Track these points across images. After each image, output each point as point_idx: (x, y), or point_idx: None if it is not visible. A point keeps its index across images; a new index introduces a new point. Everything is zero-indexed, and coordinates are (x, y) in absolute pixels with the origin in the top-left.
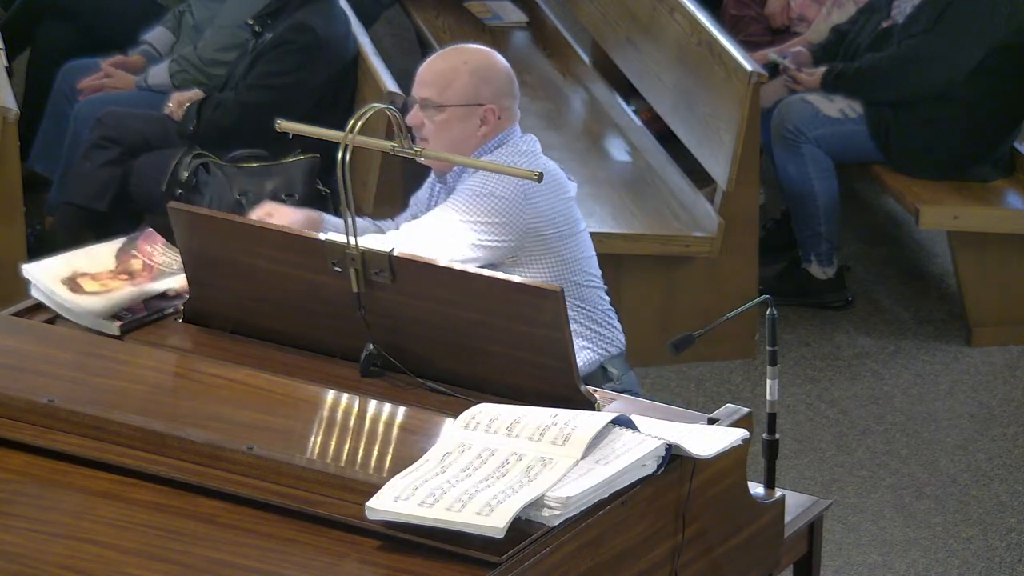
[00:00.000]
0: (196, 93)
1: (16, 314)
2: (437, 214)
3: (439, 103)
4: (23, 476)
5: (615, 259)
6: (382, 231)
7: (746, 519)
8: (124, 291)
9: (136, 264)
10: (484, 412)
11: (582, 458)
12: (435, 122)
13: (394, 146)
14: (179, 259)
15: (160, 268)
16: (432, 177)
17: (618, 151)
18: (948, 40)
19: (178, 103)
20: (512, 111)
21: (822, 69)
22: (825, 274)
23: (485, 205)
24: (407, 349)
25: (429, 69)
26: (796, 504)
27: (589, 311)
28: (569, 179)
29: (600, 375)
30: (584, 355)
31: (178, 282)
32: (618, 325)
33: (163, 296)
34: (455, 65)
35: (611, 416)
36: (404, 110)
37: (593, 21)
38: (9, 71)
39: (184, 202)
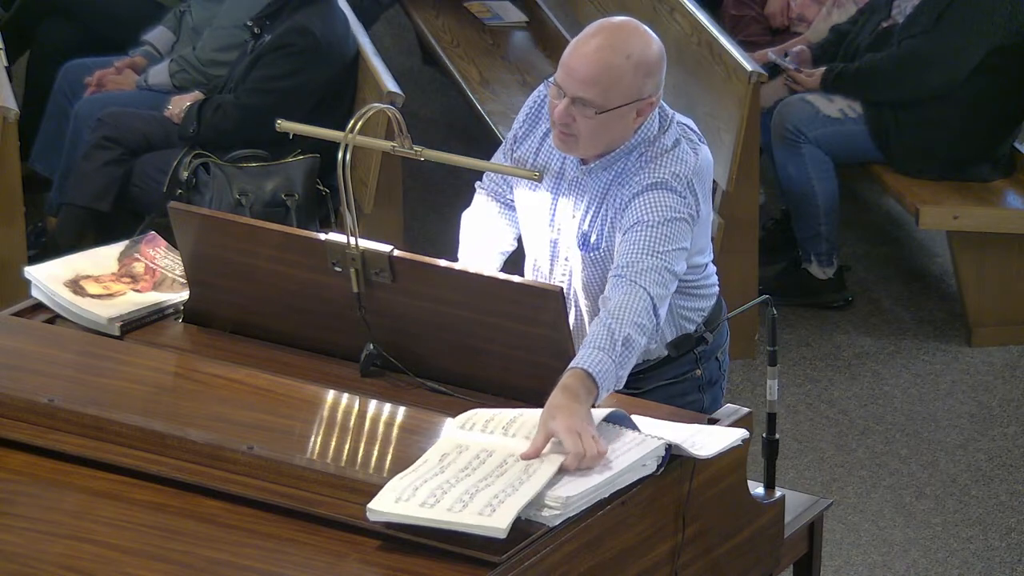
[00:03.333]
0: (196, 95)
1: (16, 314)
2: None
3: (604, 107)
4: (23, 476)
5: None
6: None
7: (746, 519)
8: (127, 298)
9: (139, 267)
10: (480, 414)
11: None
12: (593, 121)
13: (394, 146)
14: (180, 262)
15: (162, 271)
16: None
17: None
18: (948, 40)
19: (178, 106)
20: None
21: (822, 69)
22: (825, 274)
23: (672, 232)
24: (407, 349)
25: (590, 64)
26: (796, 504)
27: (695, 290)
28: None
29: (693, 341)
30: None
31: (181, 298)
32: (713, 279)
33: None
34: (619, 63)
35: (605, 412)
36: (404, 110)
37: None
38: (9, 71)
39: (184, 202)
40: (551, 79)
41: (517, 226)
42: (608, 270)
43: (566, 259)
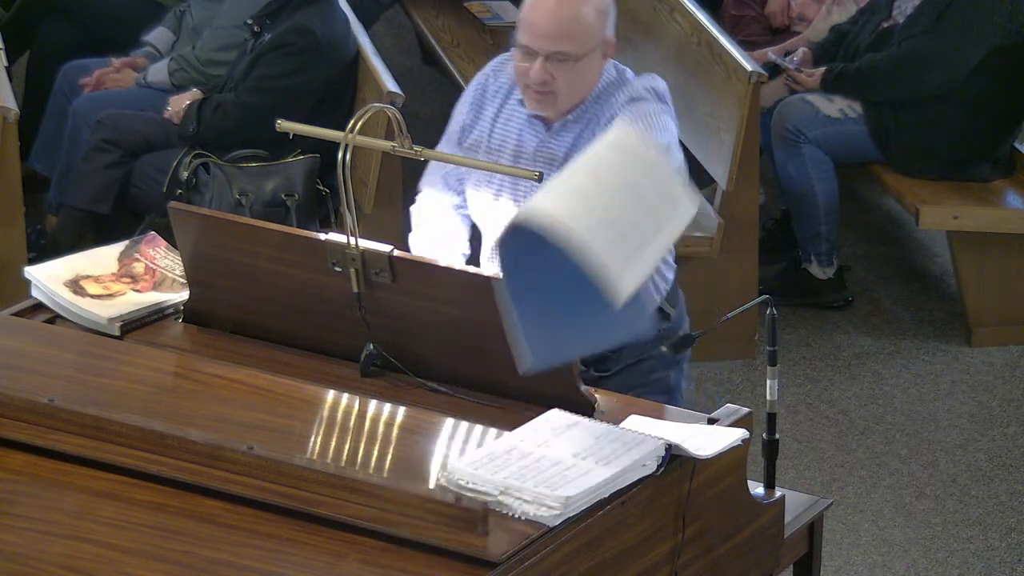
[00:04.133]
0: (194, 93)
1: (16, 314)
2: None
3: (580, 55)
4: (23, 476)
5: None
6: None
7: (746, 519)
8: (127, 298)
9: (139, 267)
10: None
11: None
12: (572, 73)
13: (394, 146)
14: (180, 263)
15: (162, 271)
16: (520, 113)
17: None
18: (948, 40)
19: (176, 106)
20: None
21: (822, 69)
22: (825, 274)
23: (667, 123)
24: (407, 349)
25: (558, 19)
26: (796, 504)
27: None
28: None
29: (658, 317)
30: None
31: (181, 298)
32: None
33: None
34: (583, 10)
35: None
36: (404, 110)
37: None
38: (9, 71)
39: (184, 202)
40: (503, 58)
41: (468, 224)
42: None
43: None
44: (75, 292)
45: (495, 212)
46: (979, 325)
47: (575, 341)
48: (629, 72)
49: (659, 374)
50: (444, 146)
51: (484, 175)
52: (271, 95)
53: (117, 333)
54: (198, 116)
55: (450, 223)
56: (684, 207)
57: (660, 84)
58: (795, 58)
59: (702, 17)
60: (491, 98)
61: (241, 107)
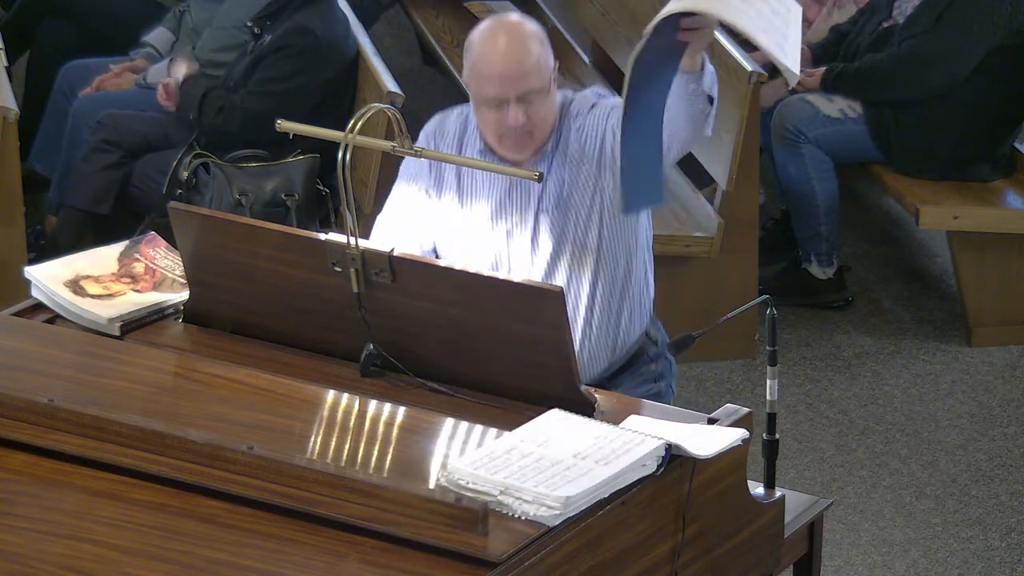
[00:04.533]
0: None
1: (16, 314)
2: None
3: (545, 85)
4: (23, 476)
5: None
6: None
7: (746, 519)
8: (127, 298)
9: (139, 267)
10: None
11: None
12: (543, 107)
13: (394, 146)
14: (180, 263)
15: (162, 271)
16: (468, 151)
17: None
18: (948, 41)
19: (167, 89)
20: None
21: (822, 69)
22: (825, 274)
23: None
24: (407, 349)
25: (515, 60)
26: (796, 504)
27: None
28: None
29: (647, 342)
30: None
31: (181, 298)
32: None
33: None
34: (531, 44)
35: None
36: (404, 110)
37: (593, 21)
38: (9, 71)
39: (184, 202)
40: (434, 122)
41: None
42: (575, 214)
43: (531, 242)
44: (75, 292)
45: (482, 234)
46: (979, 325)
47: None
48: (568, 91)
49: (650, 387)
50: (390, 216)
51: (459, 237)
52: (273, 99)
53: (117, 333)
54: (200, 109)
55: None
56: (795, 8)
57: (601, 90)
58: None
59: None
60: (439, 165)
61: (244, 112)
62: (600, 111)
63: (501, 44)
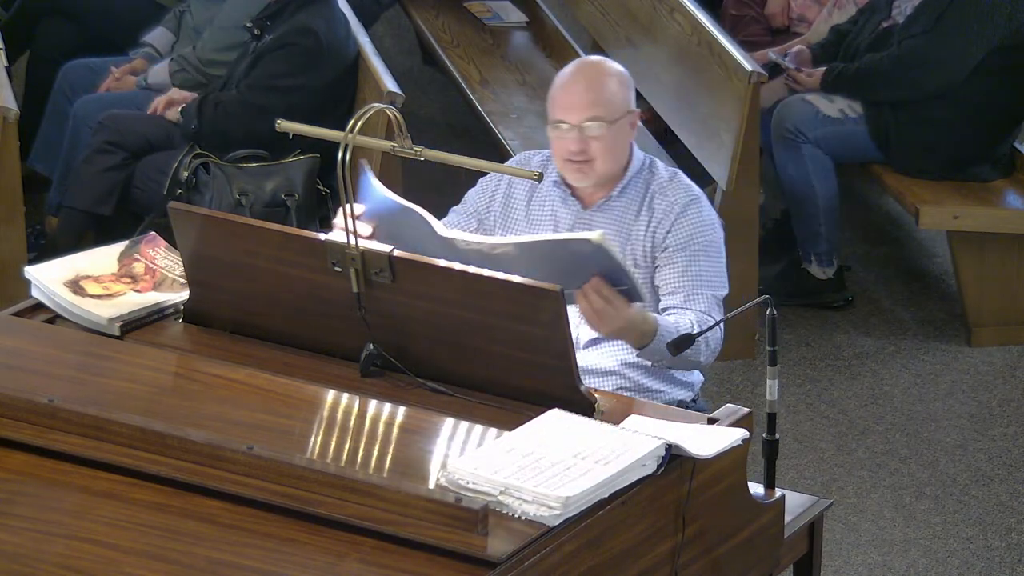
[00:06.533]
0: (184, 95)
1: (16, 314)
2: (699, 278)
3: (611, 118)
4: (23, 476)
5: None
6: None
7: (746, 519)
8: (127, 298)
9: (139, 267)
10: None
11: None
12: (607, 137)
13: (394, 146)
14: (180, 263)
15: (162, 272)
16: (554, 193)
17: None
18: (948, 40)
19: (167, 103)
20: None
21: (822, 69)
22: (825, 274)
23: (718, 255)
24: (407, 349)
25: (586, 91)
26: (796, 504)
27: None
28: None
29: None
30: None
31: (181, 298)
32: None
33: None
34: (607, 80)
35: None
36: (404, 110)
37: (593, 21)
38: (9, 71)
39: (184, 202)
40: (524, 155)
41: None
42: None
43: None
44: (75, 292)
45: None
46: (979, 325)
47: None
48: (659, 162)
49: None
50: (457, 213)
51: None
52: (272, 94)
53: (117, 333)
54: (199, 114)
55: None
56: None
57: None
58: (791, 50)
59: (702, 17)
60: (520, 186)
61: (242, 105)
62: (674, 193)
63: (577, 74)
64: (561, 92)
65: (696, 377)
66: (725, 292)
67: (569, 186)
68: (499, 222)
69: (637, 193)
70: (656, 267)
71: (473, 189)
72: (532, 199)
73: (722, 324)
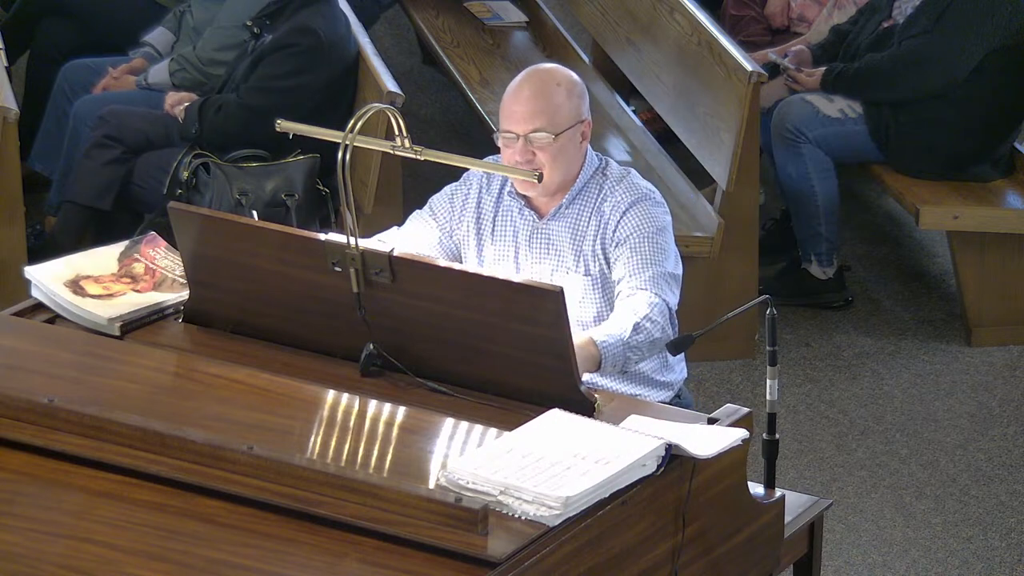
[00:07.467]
0: (192, 96)
1: (16, 314)
2: (641, 274)
3: (556, 130)
4: (23, 476)
5: None
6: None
7: (746, 519)
8: (127, 298)
9: (138, 267)
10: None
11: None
12: (552, 147)
13: (394, 146)
14: (180, 263)
15: (162, 272)
16: (505, 197)
17: (618, 151)
18: (948, 40)
19: (176, 102)
20: None
21: (822, 69)
22: (825, 274)
23: (664, 241)
24: (407, 349)
25: (530, 100)
26: (796, 504)
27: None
28: None
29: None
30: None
31: (181, 298)
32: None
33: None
34: (553, 90)
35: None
36: (404, 110)
37: (593, 21)
38: (9, 71)
39: (184, 202)
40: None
41: None
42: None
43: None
44: (75, 292)
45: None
46: (979, 325)
47: None
48: (613, 163)
49: None
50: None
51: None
52: (273, 95)
53: (117, 333)
54: (200, 117)
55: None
56: None
57: (664, 218)
58: (791, 50)
59: (702, 17)
60: (487, 199)
61: (244, 108)
62: (621, 194)
63: (524, 87)
64: (508, 100)
65: (676, 376)
66: (677, 271)
67: (524, 196)
68: (470, 236)
69: (590, 198)
70: (612, 267)
71: (439, 196)
72: (497, 214)
73: (670, 299)
